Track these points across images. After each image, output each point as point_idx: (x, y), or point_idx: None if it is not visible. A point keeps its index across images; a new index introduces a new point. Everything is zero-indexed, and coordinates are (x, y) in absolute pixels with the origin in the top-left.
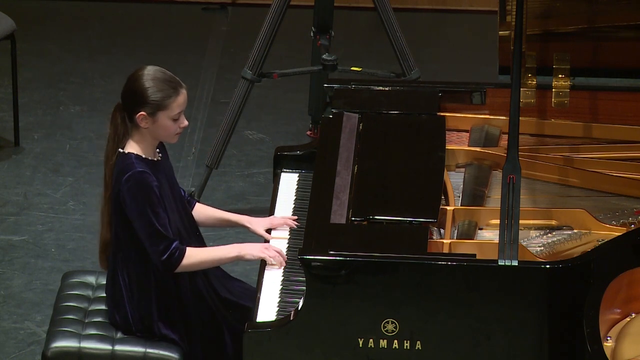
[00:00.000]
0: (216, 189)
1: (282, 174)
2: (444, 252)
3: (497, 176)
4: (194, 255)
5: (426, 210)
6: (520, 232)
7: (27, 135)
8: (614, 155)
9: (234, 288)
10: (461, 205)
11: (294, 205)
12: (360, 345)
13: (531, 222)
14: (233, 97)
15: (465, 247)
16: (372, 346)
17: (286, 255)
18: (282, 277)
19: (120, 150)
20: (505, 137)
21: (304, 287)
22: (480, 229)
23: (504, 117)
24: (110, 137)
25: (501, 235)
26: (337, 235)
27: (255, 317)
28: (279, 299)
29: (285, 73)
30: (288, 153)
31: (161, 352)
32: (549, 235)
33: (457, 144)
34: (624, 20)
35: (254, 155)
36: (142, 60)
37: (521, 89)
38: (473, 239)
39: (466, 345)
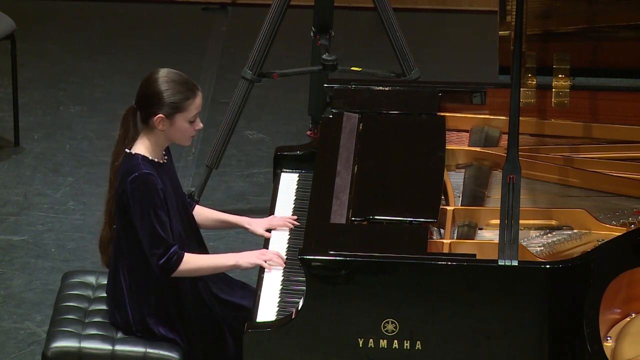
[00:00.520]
0: (216, 189)
1: (282, 174)
2: (444, 252)
3: (497, 176)
4: (191, 262)
5: (426, 210)
6: (520, 232)
7: (27, 135)
8: (614, 155)
9: (234, 288)
10: (461, 205)
11: (294, 205)
12: (360, 345)
13: (531, 222)
14: (233, 97)
15: (465, 247)
16: (372, 346)
17: (286, 255)
18: (282, 277)
19: (127, 150)
20: (505, 137)
21: (304, 287)
22: (480, 229)
23: (504, 117)
24: (120, 139)
25: (501, 235)
26: (337, 235)
27: (255, 317)
28: (279, 299)
29: (285, 73)
30: (288, 153)
31: (161, 352)
32: (549, 235)
33: (457, 144)
34: (624, 20)
35: (254, 155)
36: (142, 60)
37: (521, 89)
38: (473, 239)
39: (466, 345)
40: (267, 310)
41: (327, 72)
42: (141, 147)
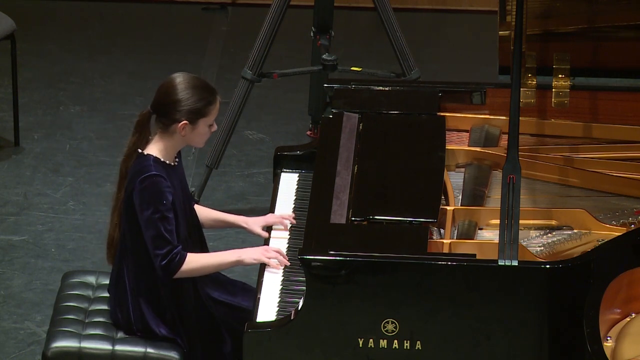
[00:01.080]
0: (216, 189)
1: (282, 174)
2: (444, 252)
3: (497, 176)
4: (193, 261)
5: (426, 210)
6: (520, 232)
7: (27, 135)
8: (614, 155)
9: (235, 291)
10: (461, 205)
11: (294, 205)
12: (360, 345)
13: (531, 222)
14: (233, 97)
15: (465, 247)
16: (372, 346)
17: (286, 254)
18: (282, 277)
19: (139, 150)
20: (505, 137)
21: (304, 287)
22: (480, 229)
23: (504, 117)
24: (133, 143)
25: (501, 235)
26: (337, 235)
27: (255, 317)
28: (279, 299)
29: (285, 73)
30: (288, 153)
31: (161, 352)
32: (549, 235)
33: (457, 144)
34: (624, 20)
35: (254, 155)
36: (142, 60)
37: (521, 89)
38: (473, 239)
39: (466, 345)
40: (267, 310)
41: (327, 72)
42: (154, 149)
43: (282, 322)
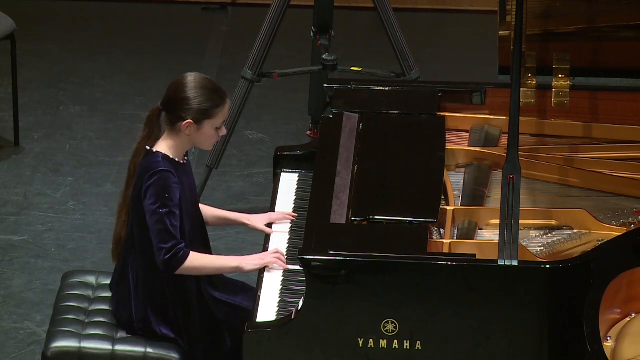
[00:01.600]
0: (216, 189)
1: (282, 174)
2: (444, 252)
3: (497, 176)
4: (196, 260)
5: (426, 210)
6: (520, 232)
7: (27, 135)
8: (614, 155)
9: (236, 291)
10: (461, 205)
11: (294, 205)
12: (360, 345)
13: (531, 222)
14: (233, 97)
15: (465, 247)
16: (372, 346)
17: (286, 255)
18: (282, 277)
19: (148, 147)
20: (505, 137)
21: (304, 287)
22: (480, 229)
23: (504, 117)
24: (143, 139)
25: (501, 235)
26: (337, 235)
27: (255, 317)
28: (279, 299)
29: (285, 73)
30: (288, 153)
31: (161, 352)
32: (549, 235)
33: (457, 144)
34: (624, 20)
35: (254, 155)
36: (142, 60)
37: (521, 89)
38: (473, 239)
39: (466, 345)
40: (267, 310)
41: (327, 72)
42: (163, 146)
43: (282, 322)
